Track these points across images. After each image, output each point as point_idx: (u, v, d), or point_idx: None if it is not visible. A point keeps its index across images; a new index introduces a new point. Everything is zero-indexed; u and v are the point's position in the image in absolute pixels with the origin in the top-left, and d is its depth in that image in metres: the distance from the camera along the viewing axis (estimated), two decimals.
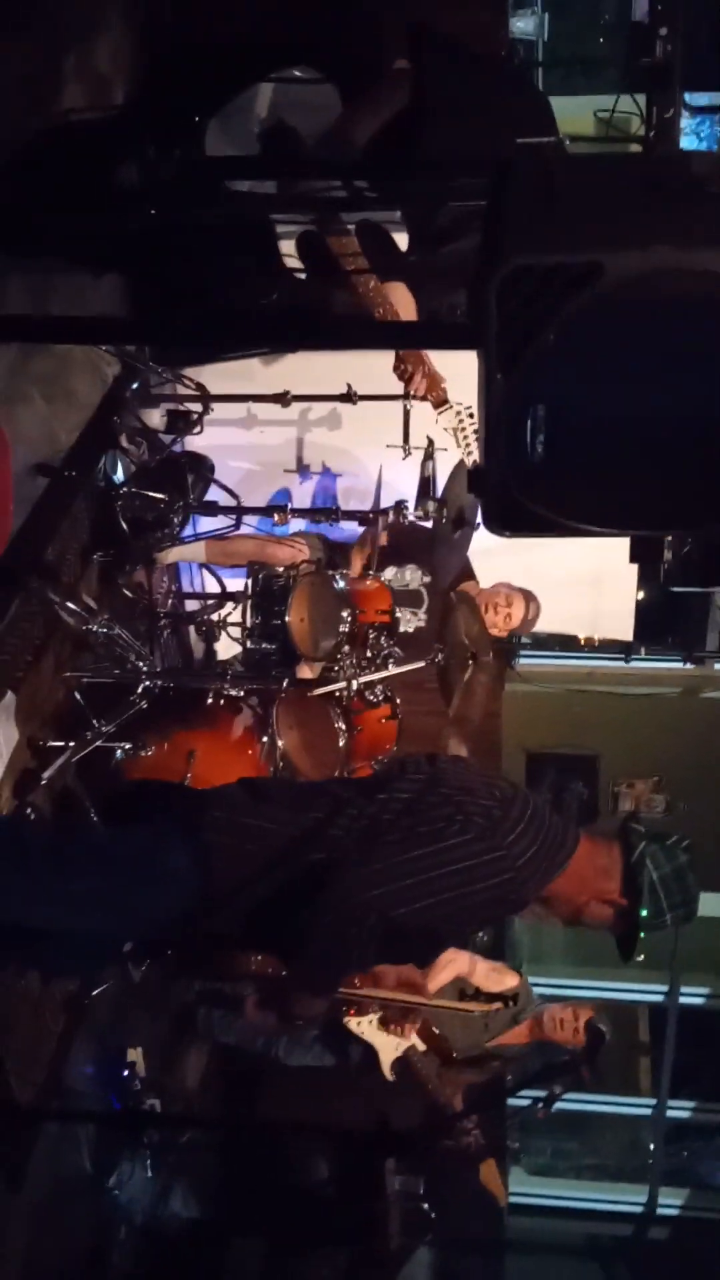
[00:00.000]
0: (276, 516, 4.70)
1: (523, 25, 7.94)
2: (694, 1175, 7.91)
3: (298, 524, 4.92)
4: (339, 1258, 5.03)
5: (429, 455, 4.54)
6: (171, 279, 3.72)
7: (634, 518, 2.09)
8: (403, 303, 3.91)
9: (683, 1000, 7.63)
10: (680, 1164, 7.93)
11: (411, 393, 4.23)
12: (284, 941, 2.65)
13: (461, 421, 4.11)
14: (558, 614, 5.57)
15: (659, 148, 4.79)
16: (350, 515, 4.80)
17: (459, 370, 3.79)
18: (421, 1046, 4.49)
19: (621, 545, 5.59)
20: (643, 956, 2.73)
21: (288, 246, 3.83)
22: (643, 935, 2.68)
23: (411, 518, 4.60)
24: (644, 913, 2.64)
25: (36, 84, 3.76)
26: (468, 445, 4.11)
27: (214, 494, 4.75)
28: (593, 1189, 7.91)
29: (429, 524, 4.60)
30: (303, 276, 3.74)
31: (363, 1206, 4.79)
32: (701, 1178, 7.92)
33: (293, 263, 3.81)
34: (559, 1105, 3.31)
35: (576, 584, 5.64)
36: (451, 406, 4.14)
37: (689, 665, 7.00)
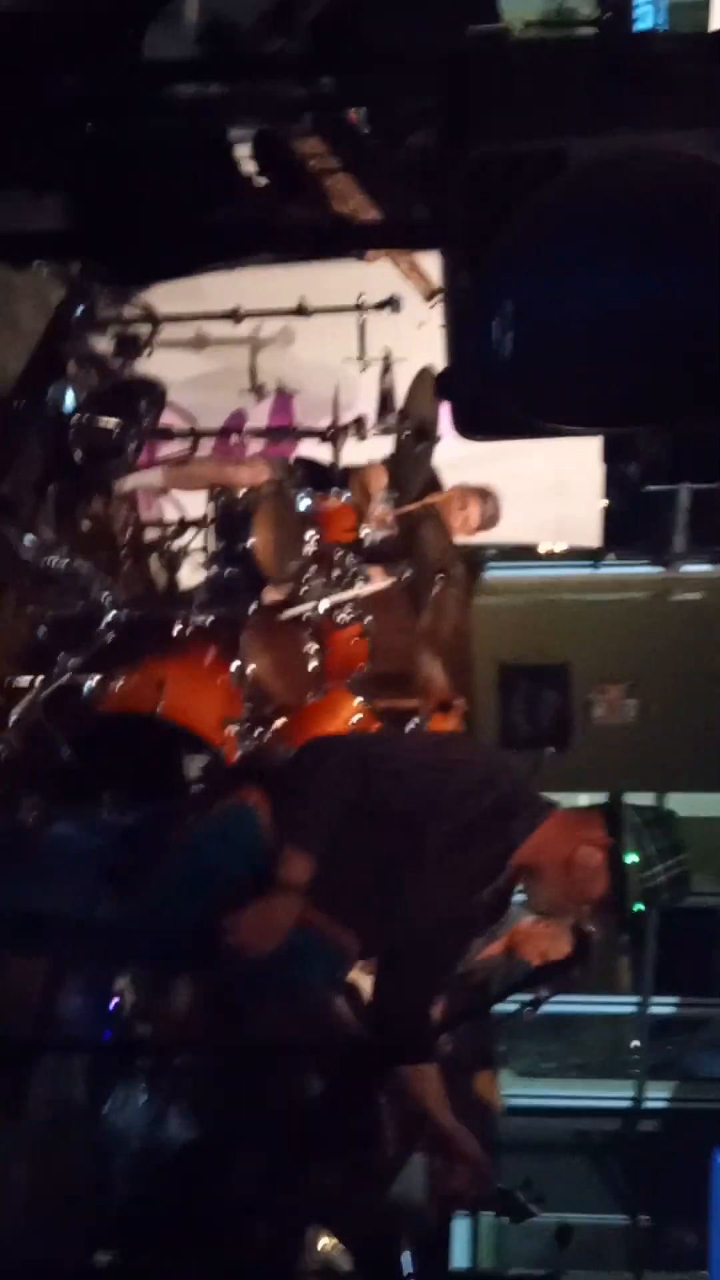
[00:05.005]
0: (234, 438, 4.61)
1: None
2: (680, 1068, 8.06)
3: (256, 445, 4.83)
4: (337, 1169, 5.09)
5: (387, 367, 4.45)
6: (116, 194, 3.58)
7: (607, 415, 2.03)
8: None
9: None
10: (666, 1058, 8.08)
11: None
12: None
13: None
14: (522, 524, 5.52)
15: (614, 30, 4.65)
16: (309, 433, 4.71)
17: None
18: None
19: (585, 453, 5.54)
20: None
21: (243, 153, 3.70)
22: (638, 907, 2.59)
23: (372, 433, 4.51)
24: (631, 857, 2.52)
25: None
26: None
27: (169, 418, 4.65)
28: (580, 1087, 8.06)
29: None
30: (263, 182, 3.62)
31: (356, 1119, 4.85)
32: (688, 1070, 8.08)
33: (251, 172, 3.69)
34: (543, 1008, 3.32)
35: (540, 494, 5.58)
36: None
37: (657, 569, 6.99)
